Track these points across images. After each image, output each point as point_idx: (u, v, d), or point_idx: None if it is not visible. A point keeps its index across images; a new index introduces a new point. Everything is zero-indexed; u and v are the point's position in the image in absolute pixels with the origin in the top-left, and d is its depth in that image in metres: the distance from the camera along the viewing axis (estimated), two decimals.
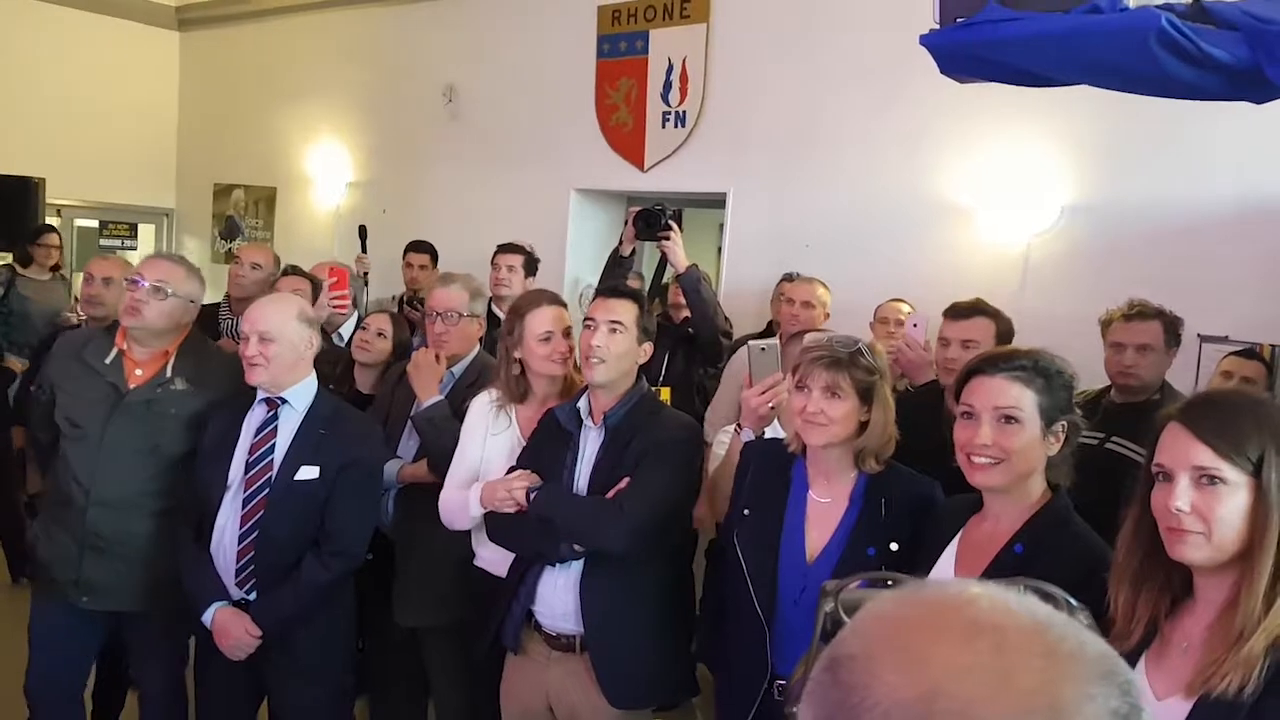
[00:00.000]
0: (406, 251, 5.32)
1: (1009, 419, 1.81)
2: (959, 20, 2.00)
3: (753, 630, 2.15)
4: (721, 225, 5.61)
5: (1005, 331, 2.96)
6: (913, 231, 4.68)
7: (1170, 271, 3.85)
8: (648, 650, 2.41)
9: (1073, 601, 0.74)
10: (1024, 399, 1.81)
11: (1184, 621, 1.45)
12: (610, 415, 2.43)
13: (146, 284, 2.73)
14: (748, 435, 2.42)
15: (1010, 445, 1.80)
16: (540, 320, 2.67)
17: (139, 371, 2.79)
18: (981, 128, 4.42)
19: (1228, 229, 3.90)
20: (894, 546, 2.09)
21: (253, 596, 2.63)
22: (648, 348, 2.50)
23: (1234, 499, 1.35)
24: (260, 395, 2.69)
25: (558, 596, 2.40)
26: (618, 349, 2.40)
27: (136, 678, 3.03)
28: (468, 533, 2.75)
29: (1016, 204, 4.37)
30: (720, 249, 5.65)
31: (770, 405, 2.39)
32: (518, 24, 6.22)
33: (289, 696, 2.72)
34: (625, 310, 2.44)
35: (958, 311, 2.99)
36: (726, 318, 4.00)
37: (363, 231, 5.36)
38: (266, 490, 2.61)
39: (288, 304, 2.77)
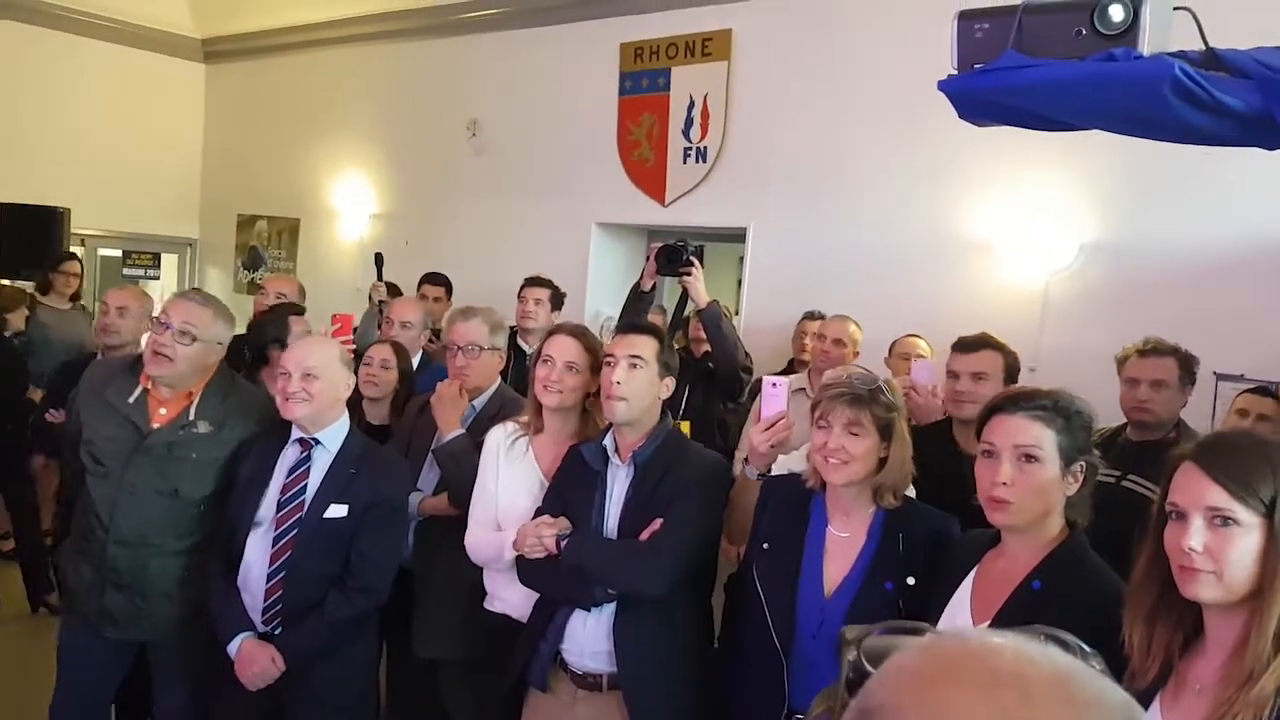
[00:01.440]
0: (421, 283, 5.35)
1: (1029, 458, 1.83)
2: (976, 66, 2.03)
3: (770, 663, 2.16)
4: (742, 258, 5.65)
5: (1012, 366, 3.00)
6: (932, 267, 4.71)
7: (1187, 310, 3.87)
8: (679, 688, 2.39)
9: (1086, 648, 0.76)
10: (1044, 438, 1.83)
11: (1196, 662, 1.46)
12: (639, 453, 2.42)
13: (174, 327, 2.68)
14: (751, 472, 2.41)
15: (1029, 484, 1.82)
16: (547, 345, 2.68)
17: (163, 411, 2.76)
18: (1001, 166, 4.46)
19: (1245, 268, 3.92)
20: (911, 581, 2.10)
21: (278, 631, 2.64)
22: (669, 383, 2.48)
23: (1246, 540, 1.36)
24: (294, 435, 2.70)
25: (587, 636, 2.39)
26: (638, 385, 2.40)
27: (157, 706, 3.02)
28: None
29: (1036, 242, 4.40)
30: (740, 282, 5.69)
31: (771, 444, 2.38)
32: (541, 60, 6.32)
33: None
34: (645, 345, 2.44)
35: (966, 345, 3.06)
36: (747, 353, 4.02)
37: (379, 259, 5.39)
38: (297, 529, 2.63)
39: (330, 345, 2.83)
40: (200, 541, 2.80)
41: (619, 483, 2.46)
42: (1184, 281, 4.03)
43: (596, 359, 2.64)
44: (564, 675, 2.45)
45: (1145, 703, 1.47)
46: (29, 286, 5.98)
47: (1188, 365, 3.12)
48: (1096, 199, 4.31)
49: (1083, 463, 1.86)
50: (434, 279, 5.35)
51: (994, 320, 4.19)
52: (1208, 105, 1.78)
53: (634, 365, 2.41)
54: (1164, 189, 4.12)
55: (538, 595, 2.53)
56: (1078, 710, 0.57)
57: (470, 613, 2.84)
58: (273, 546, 2.63)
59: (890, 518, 2.17)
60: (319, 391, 2.62)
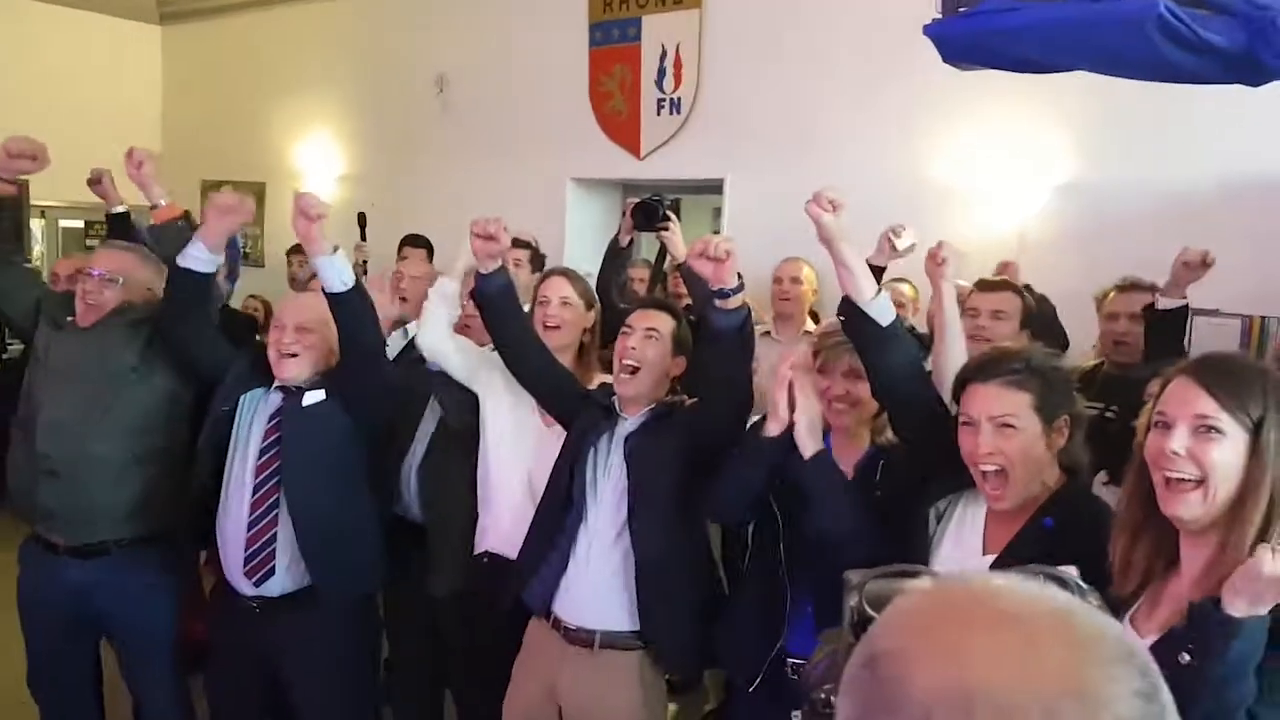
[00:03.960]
0: (402, 245, 5.27)
1: (1006, 426, 1.80)
2: (961, 10, 2.04)
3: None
4: (718, 209, 5.63)
5: (1030, 310, 3.02)
6: (909, 213, 4.65)
7: (1162, 248, 3.88)
8: (698, 638, 2.44)
9: (1084, 585, 0.79)
10: (1020, 404, 1.79)
11: (1170, 585, 1.49)
12: (644, 413, 2.49)
13: (98, 274, 2.72)
14: None
15: (1012, 449, 1.79)
16: (542, 288, 2.87)
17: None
18: (975, 109, 4.47)
19: (1219, 205, 3.97)
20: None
21: (261, 590, 2.55)
22: (680, 361, 2.51)
23: (1229, 451, 1.38)
24: (277, 384, 2.64)
25: (582, 592, 2.41)
26: (651, 355, 2.44)
27: (130, 688, 2.94)
28: None
29: (1010, 185, 4.43)
30: (717, 233, 5.66)
31: None
32: (509, 12, 6.22)
33: (313, 694, 2.65)
34: (662, 321, 2.49)
35: (988, 284, 3.16)
36: None
37: (362, 219, 5.28)
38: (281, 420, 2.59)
39: (324, 302, 2.78)
40: (143, 430, 2.73)
41: (620, 429, 2.50)
42: (1159, 219, 4.07)
43: (588, 298, 2.84)
44: (555, 632, 2.45)
45: (1123, 611, 1.50)
46: None
47: None
48: (1070, 141, 4.34)
49: (1066, 416, 1.83)
50: (415, 241, 5.28)
51: (971, 264, 4.22)
52: (1193, 44, 1.80)
53: (650, 336, 2.46)
54: (1137, 128, 4.14)
55: (525, 533, 2.55)
56: (1080, 647, 0.59)
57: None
58: (256, 478, 2.58)
59: (880, 451, 2.24)
60: (312, 345, 2.61)
